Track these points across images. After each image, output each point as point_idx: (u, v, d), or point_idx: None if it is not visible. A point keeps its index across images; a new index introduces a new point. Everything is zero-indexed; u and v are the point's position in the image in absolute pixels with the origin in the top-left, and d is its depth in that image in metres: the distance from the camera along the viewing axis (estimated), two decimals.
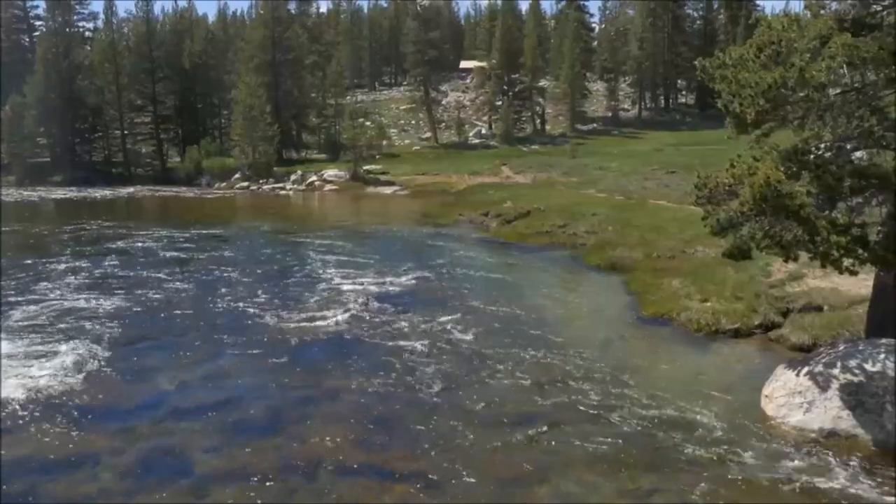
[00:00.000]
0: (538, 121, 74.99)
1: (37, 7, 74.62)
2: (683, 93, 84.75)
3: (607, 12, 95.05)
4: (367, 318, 17.53)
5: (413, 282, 21.55)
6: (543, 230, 28.99)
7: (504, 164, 53.41)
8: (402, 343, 15.44)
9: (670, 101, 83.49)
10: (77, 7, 72.36)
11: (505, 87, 73.19)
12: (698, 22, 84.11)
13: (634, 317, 17.49)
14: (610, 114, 77.69)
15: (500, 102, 72.59)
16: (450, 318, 17.32)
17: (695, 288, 17.98)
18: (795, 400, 11.31)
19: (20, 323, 17.06)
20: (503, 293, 19.92)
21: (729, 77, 11.03)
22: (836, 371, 11.30)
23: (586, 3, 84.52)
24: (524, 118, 74.48)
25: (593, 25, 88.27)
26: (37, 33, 73.58)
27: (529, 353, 14.70)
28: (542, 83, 76.72)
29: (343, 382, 13.37)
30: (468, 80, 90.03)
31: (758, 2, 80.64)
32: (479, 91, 79.59)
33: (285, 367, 14.30)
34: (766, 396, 11.90)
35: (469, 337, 15.82)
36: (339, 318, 17.48)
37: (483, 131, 73.79)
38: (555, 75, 76.43)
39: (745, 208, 10.74)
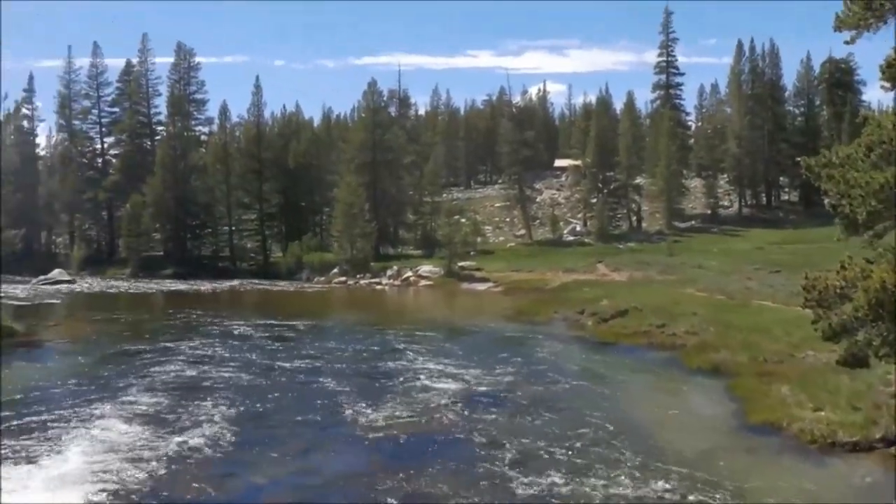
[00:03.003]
0: (634, 218, 74.36)
1: (159, 113, 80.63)
2: (786, 189, 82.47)
3: (704, 110, 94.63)
4: (459, 416, 17.27)
5: (505, 379, 21.19)
6: (641, 330, 28.16)
7: (599, 261, 52.80)
8: (493, 445, 15.05)
9: (772, 198, 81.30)
10: (195, 113, 77.89)
11: (600, 185, 73.20)
12: (799, 119, 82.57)
13: (740, 425, 16.51)
14: (709, 211, 76.23)
15: (594, 200, 72.52)
16: (543, 420, 16.85)
17: (806, 395, 16.85)
18: None
19: (119, 409, 17.70)
20: (599, 395, 19.28)
21: (836, 177, 10.65)
22: None
23: (682, 101, 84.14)
24: (619, 215, 74.02)
25: (689, 123, 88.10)
26: (158, 137, 79.19)
27: (627, 461, 14.02)
28: (638, 180, 76.37)
29: (433, 486, 13.03)
30: (563, 178, 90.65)
31: (863, 98, 78.75)
32: (573, 189, 79.89)
33: (375, 465, 14.13)
34: None
35: (563, 442, 15.26)
36: (431, 415, 17.29)
37: (578, 228, 73.60)
38: (650, 173, 76.01)
39: (859, 313, 10.14)
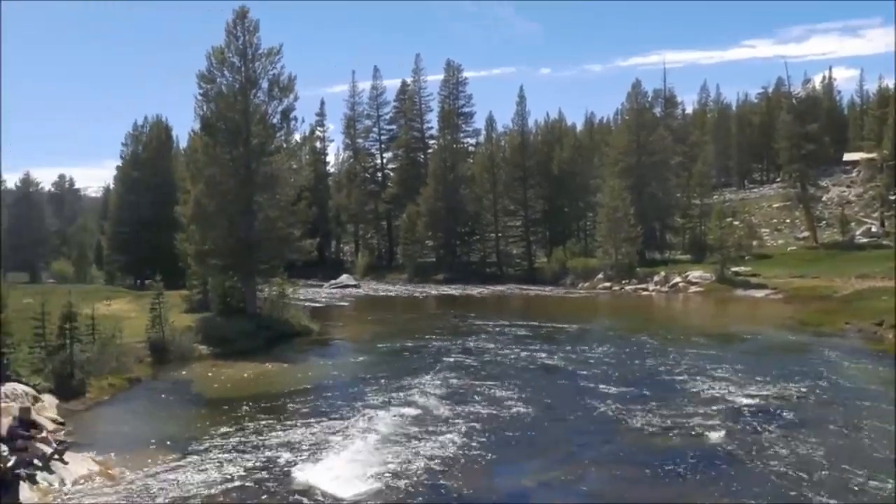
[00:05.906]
0: None
1: (431, 128, 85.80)
2: None
3: None
4: (737, 432, 16.13)
5: (789, 395, 19.45)
6: None
7: None
8: (780, 468, 13.79)
9: None
10: (463, 125, 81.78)
11: None
12: None
13: None
14: None
15: (894, 196, 64.19)
16: (839, 445, 15.12)
17: None
18: None
19: (390, 406, 18.97)
20: None
21: None
22: None
23: None
24: None
25: None
26: (430, 151, 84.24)
27: None
28: None
29: None
30: (854, 174, 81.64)
31: None
32: (867, 185, 71.37)
33: (645, 476, 13.64)
34: None
35: (865, 473, 13.56)
36: (707, 429, 16.35)
37: (873, 229, 65.66)
38: None
39: None
